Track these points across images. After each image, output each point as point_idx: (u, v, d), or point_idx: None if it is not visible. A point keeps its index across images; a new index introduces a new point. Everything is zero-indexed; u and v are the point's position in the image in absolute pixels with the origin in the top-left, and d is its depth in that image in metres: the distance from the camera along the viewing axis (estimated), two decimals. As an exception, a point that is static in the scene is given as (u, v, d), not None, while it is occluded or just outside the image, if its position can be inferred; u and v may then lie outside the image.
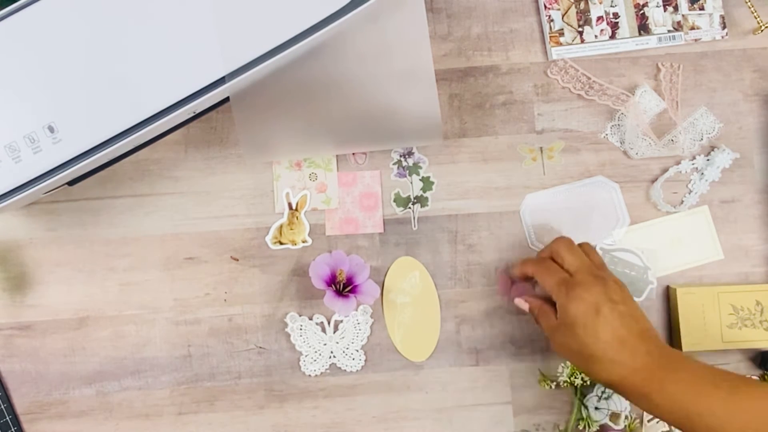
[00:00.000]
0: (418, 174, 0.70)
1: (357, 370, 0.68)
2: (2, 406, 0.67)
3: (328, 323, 0.69)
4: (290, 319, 0.68)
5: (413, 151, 0.70)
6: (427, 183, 0.69)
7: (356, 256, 0.68)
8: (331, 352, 0.68)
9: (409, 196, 0.69)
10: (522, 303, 0.63)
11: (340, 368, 0.68)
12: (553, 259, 0.60)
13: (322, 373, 0.68)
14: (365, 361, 0.68)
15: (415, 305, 0.69)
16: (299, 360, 0.68)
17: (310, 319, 0.68)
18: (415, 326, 0.69)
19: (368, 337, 0.68)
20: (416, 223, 0.69)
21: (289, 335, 0.68)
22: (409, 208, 0.69)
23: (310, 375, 0.68)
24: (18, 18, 0.54)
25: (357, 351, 0.68)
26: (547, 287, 0.58)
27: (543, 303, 0.60)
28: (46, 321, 0.68)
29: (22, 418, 0.68)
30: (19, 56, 0.54)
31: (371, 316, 0.69)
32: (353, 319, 0.68)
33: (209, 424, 0.68)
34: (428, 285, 0.69)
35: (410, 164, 0.70)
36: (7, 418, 0.67)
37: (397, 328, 0.69)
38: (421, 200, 0.69)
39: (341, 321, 0.69)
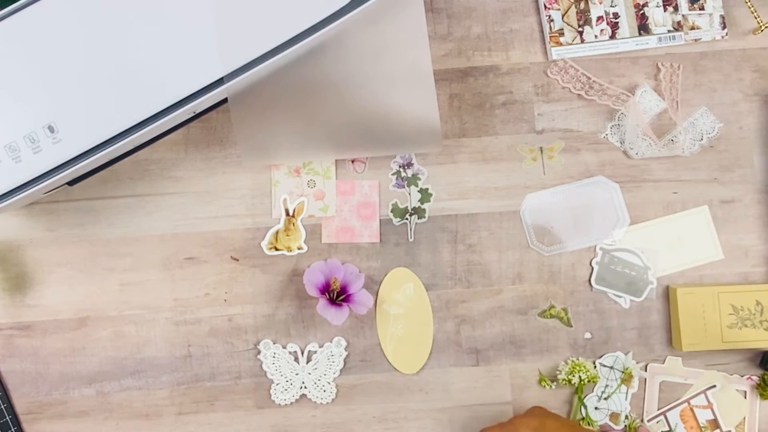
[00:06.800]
0: (416, 185, 0.69)
1: (327, 403, 0.68)
2: (2, 406, 0.67)
3: (302, 353, 0.68)
4: (263, 346, 0.68)
5: (412, 162, 0.70)
6: (425, 195, 0.69)
7: (351, 265, 0.68)
8: (303, 383, 0.68)
9: (407, 207, 0.69)
10: None
11: (310, 400, 0.67)
12: None
13: (291, 402, 0.68)
14: (336, 394, 0.68)
15: (408, 317, 0.69)
16: (270, 387, 0.68)
17: (284, 347, 0.68)
18: (407, 338, 0.68)
19: (341, 371, 0.68)
20: (413, 234, 0.69)
21: (261, 361, 0.68)
22: (406, 219, 0.69)
23: (279, 404, 0.68)
24: (18, 18, 0.54)
25: (329, 383, 0.68)
26: None
27: None
28: (46, 321, 0.68)
29: (22, 418, 0.68)
30: (19, 56, 0.54)
31: (346, 349, 0.68)
32: (327, 350, 0.68)
33: (209, 424, 0.68)
34: (422, 297, 0.69)
35: (409, 175, 0.69)
36: (7, 418, 0.67)
37: (389, 340, 0.68)
38: (418, 212, 0.69)
39: (315, 352, 0.68)
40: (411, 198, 0.69)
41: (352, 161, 0.70)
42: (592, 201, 0.70)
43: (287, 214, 0.68)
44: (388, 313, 0.69)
